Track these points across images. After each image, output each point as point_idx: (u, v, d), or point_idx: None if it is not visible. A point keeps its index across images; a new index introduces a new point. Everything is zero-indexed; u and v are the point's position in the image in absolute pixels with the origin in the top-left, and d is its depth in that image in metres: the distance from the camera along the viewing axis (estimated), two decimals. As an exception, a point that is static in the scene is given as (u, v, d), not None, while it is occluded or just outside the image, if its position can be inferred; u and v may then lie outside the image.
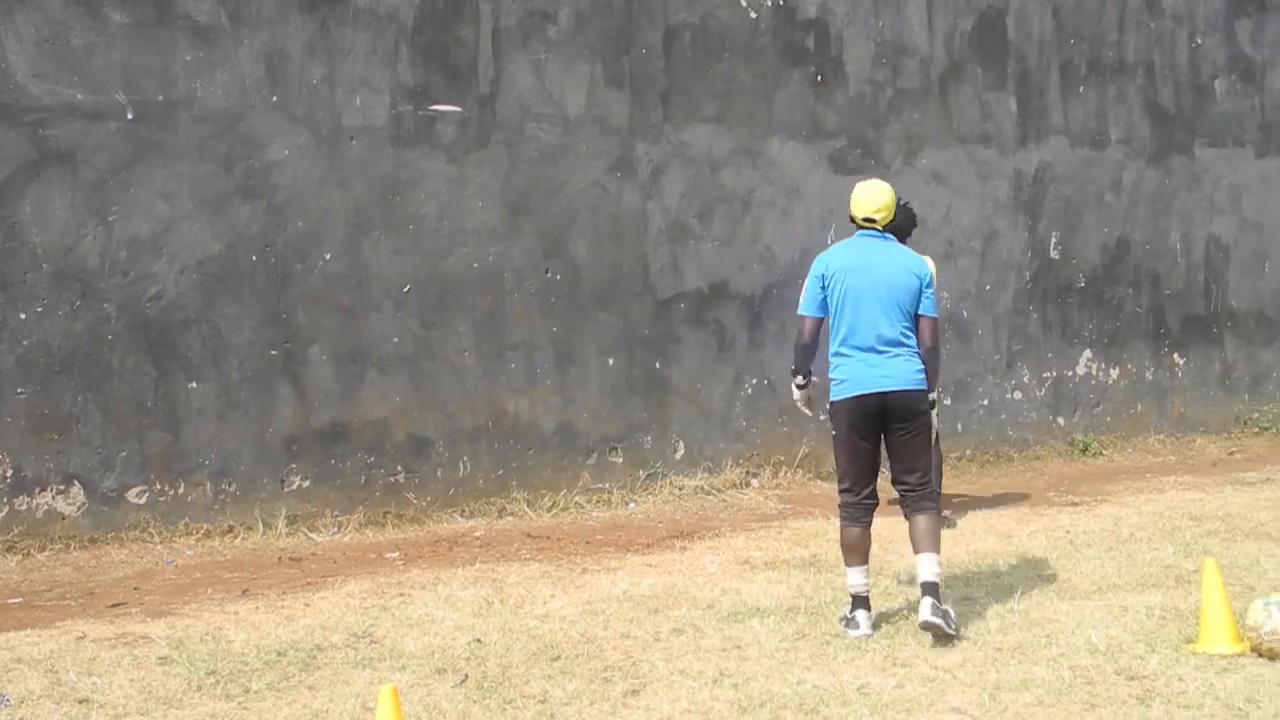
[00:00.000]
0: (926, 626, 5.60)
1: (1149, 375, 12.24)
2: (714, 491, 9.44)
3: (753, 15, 9.93)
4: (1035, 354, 11.55)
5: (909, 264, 5.87)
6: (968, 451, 11.05)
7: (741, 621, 5.98)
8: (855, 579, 5.83)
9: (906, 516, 5.91)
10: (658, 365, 9.55)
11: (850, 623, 5.77)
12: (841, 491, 5.91)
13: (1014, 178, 11.36)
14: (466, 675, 5.22)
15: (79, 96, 7.59)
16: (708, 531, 8.20)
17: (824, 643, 5.63)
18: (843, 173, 10.36)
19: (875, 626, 5.82)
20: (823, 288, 5.85)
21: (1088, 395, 11.87)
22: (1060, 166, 11.61)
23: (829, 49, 10.32)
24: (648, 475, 9.46)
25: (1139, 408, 12.16)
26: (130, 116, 7.73)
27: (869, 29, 10.51)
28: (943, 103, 10.93)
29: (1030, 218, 11.50)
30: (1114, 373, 12.03)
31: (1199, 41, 12.45)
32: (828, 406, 5.89)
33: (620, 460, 9.39)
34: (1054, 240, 11.64)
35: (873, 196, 5.88)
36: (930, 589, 5.68)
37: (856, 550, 5.85)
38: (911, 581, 6.33)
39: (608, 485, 9.22)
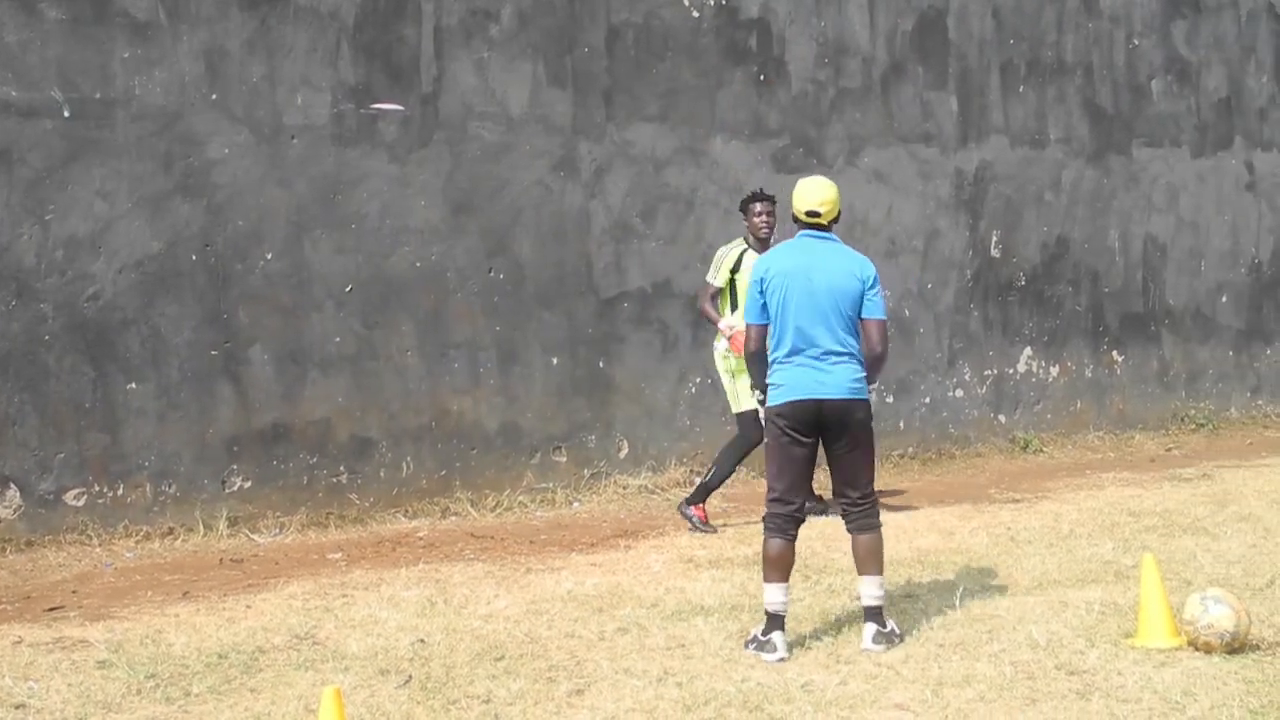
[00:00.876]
0: (867, 653, 5.45)
1: (1088, 373, 12.38)
2: (658, 490, 9.45)
3: (695, 15, 9.95)
4: (976, 352, 11.66)
5: (850, 267, 5.62)
6: (910, 449, 11.14)
7: (686, 620, 5.99)
8: (774, 596, 5.51)
9: (849, 533, 5.74)
10: (601, 364, 9.55)
11: (765, 645, 5.44)
12: (770, 500, 5.61)
13: (955, 177, 11.46)
14: (410, 676, 5.20)
15: (13, 94, 7.48)
16: (652, 530, 8.21)
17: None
18: (785, 171, 10.40)
19: (819, 624, 5.84)
20: (761, 292, 5.63)
21: (1028, 393, 12.00)
22: (1001, 165, 11.73)
23: (771, 48, 10.37)
24: (592, 474, 9.46)
25: (1079, 405, 12.30)
26: (67, 114, 7.63)
27: (811, 28, 10.57)
28: (884, 102, 11.01)
29: (971, 216, 11.60)
30: (1054, 370, 12.17)
31: (1136, 42, 12.61)
32: (767, 413, 5.68)
33: (564, 459, 9.38)
34: (995, 239, 11.75)
35: (815, 190, 5.65)
36: (873, 614, 5.57)
37: (778, 565, 5.54)
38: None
39: (552, 485, 9.21)
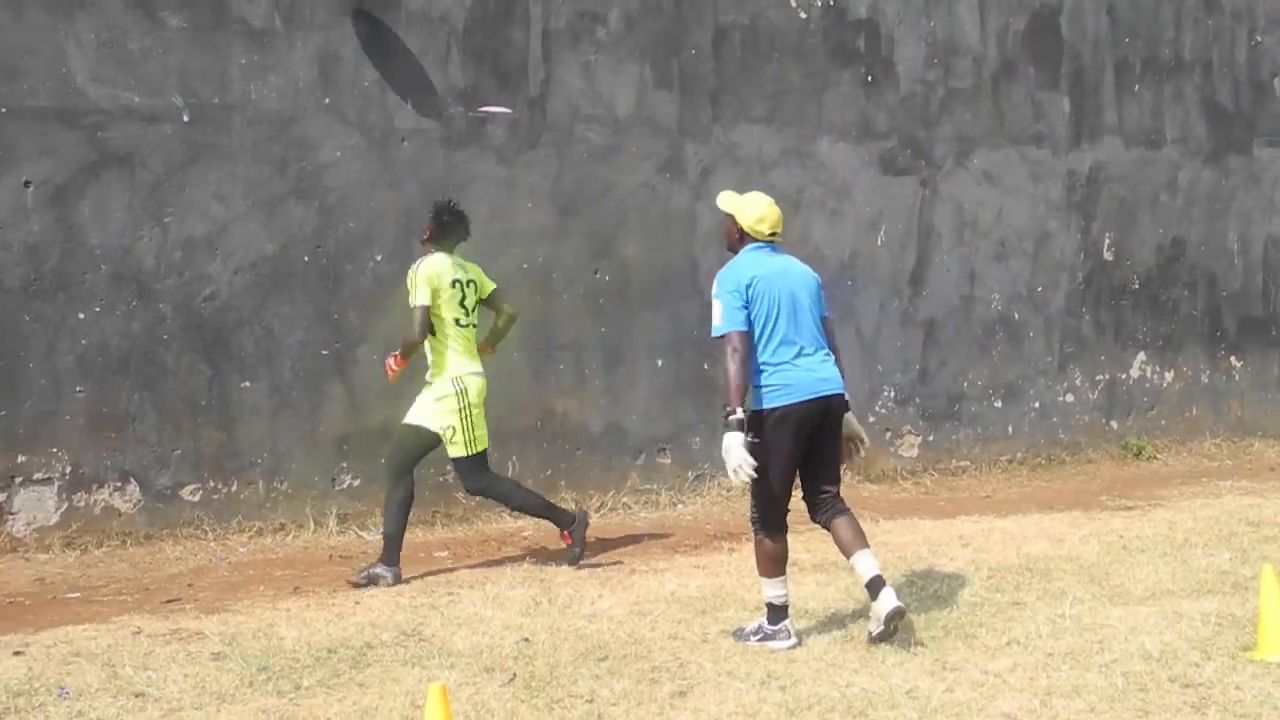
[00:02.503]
0: (899, 612, 5.51)
1: (1205, 378, 12.09)
2: (763, 493, 9.40)
3: (802, 15, 9.90)
4: (1088, 356, 11.45)
5: (808, 270, 5.86)
6: (1018, 454, 10.97)
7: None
8: (778, 590, 5.66)
9: (824, 525, 5.77)
10: (706, 366, 9.55)
11: (777, 634, 5.61)
12: (764, 503, 5.63)
13: (1067, 178, 11.27)
14: (514, 674, 5.25)
15: (136, 99, 7.68)
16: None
17: (872, 645, 5.61)
18: (893, 173, 10.33)
19: (924, 631, 5.78)
20: (745, 302, 5.57)
21: (1141, 398, 11.75)
22: (1114, 166, 11.50)
23: (879, 49, 10.28)
24: (696, 476, 9.46)
25: (1194, 411, 12.02)
26: (186, 119, 7.82)
27: (920, 29, 10.46)
28: (995, 103, 10.86)
29: (1083, 218, 11.40)
30: (1169, 375, 11.90)
31: (1259, 39, 12.28)
32: (759, 417, 5.54)
33: (668, 461, 9.39)
34: (1107, 241, 11.53)
35: (773, 211, 5.81)
36: (881, 580, 5.59)
37: (781, 561, 5.67)
38: (974, 595, 6.27)
39: (656, 486, 9.23)
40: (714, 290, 5.68)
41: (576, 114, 9.03)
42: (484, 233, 8.71)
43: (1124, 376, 11.65)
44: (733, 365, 5.51)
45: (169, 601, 6.53)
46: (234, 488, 8.00)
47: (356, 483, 8.34)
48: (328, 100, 8.22)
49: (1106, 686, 5.03)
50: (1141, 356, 11.75)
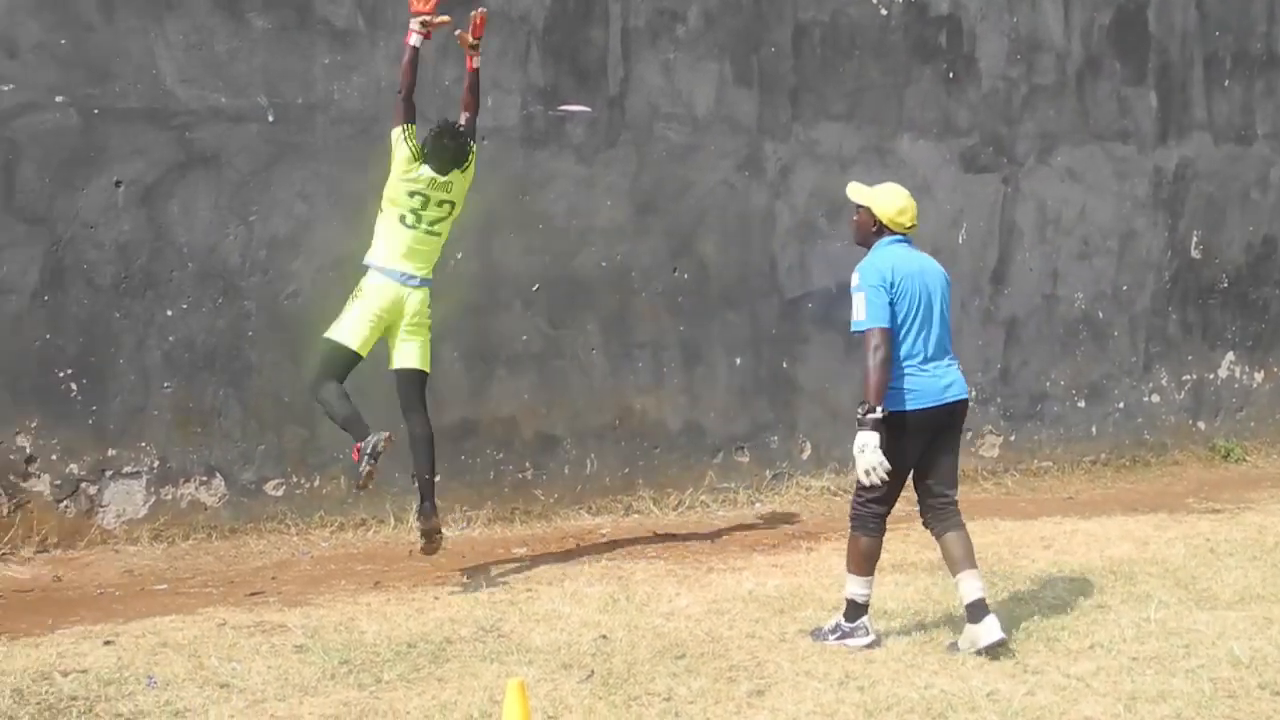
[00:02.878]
0: (1001, 644, 5.40)
1: (1295, 379, 11.84)
2: (841, 492, 9.37)
3: (883, 12, 9.83)
4: (1174, 356, 11.26)
5: (941, 269, 5.78)
6: (1102, 455, 10.82)
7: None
8: (863, 589, 5.64)
9: (936, 535, 5.70)
10: (785, 365, 9.52)
11: (856, 631, 5.60)
12: (872, 501, 5.56)
13: (1153, 175, 11.08)
14: (592, 671, 5.27)
15: (223, 100, 7.81)
16: (834, 533, 8.14)
17: (952, 647, 5.56)
18: (974, 171, 10.22)
19: (1005, 632, 5.73)
20: (891, 297, 5.48)
21: (1230, 399, 11.53)
22: (1203, 163, 11.29)
23: (961, 45, 10.18)
24: (774, 475, 9.43)
25: (1285, 412, 11.77)
26: (271, 119, 7.94)
27: (1003, 24, 10.34)
28: (1079, 99, 10.71)
29: (1170, 216, 11.21)
30: (1258, 376, 11.67)
31: (1351, 33, 11.99)
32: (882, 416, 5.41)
33: (747, 460, 9.37)
34: (1195, 239, 11.33)
35: (913, 204, 5.72)
36: (983, 605, 5.49)
37: (873, 560, 5.66)
38: (1055, 597, 6.20)
39: (734, 485, 9.21)
40: (855, 282, 5.54)
41: (656, 112, 9.03)
42: (563, 231, 8.77)
43: (1212, 377, 11.44)
44: (874, 362, 5.42)
45: (253, 594, 6.64)
46: (316, 483, 8.10)
47: (436, 479, 8.39)
48: (409, 100, 8.27)
49: (1193, 692, 4.95)
50: (1230, 356, 11.53)
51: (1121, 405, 10.99)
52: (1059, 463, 10.58)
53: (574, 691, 5.02)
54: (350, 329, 6.86)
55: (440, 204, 6.96)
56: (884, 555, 7.28)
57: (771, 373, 9.47)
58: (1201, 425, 11.36)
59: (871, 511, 5.61)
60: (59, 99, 7.39)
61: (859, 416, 5.43)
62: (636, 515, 8.70)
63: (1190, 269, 11.31)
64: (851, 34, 9.71)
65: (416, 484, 7.05)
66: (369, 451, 6.71)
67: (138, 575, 7.03)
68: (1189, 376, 11.33)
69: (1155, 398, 11.15)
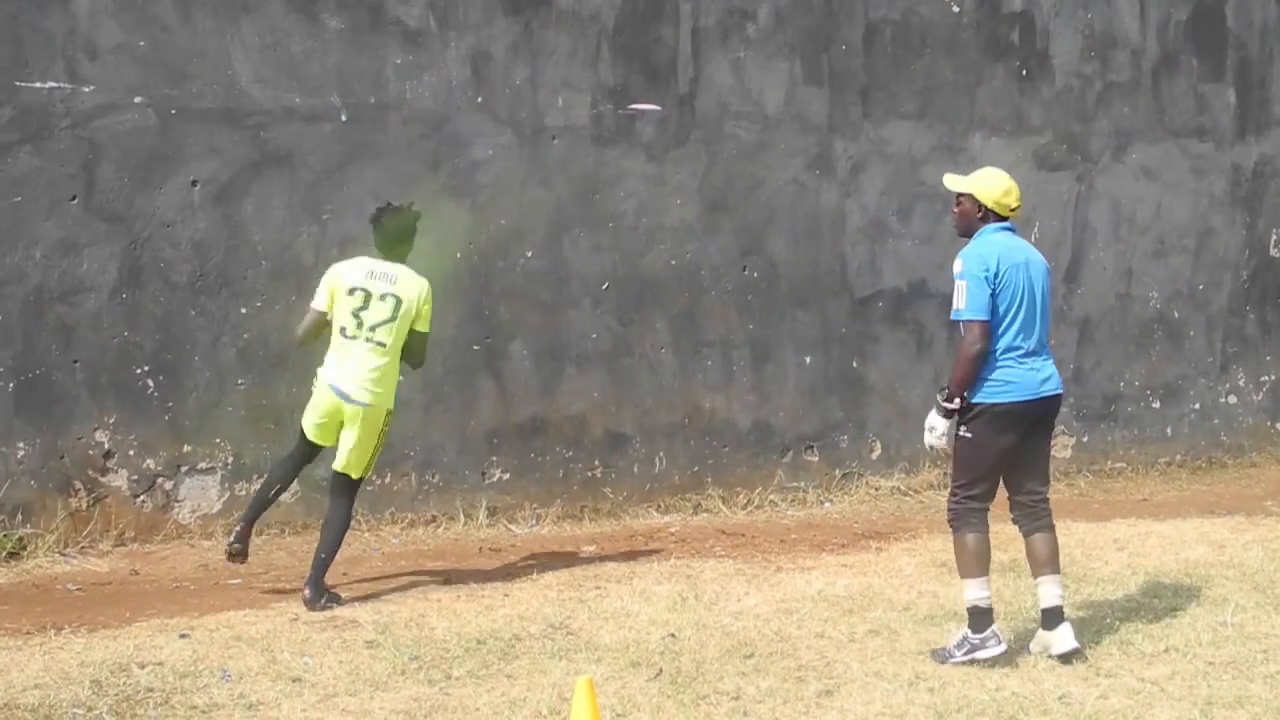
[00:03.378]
0: (1075, 653, 5.36)
1: (1378, 380, 11.60)
2: (911, 492, 9.31)
3: (955, 10, 9.75)
4: (1252, 356, 11.07)
5: (1043, 260, 5.63)
6: (1177, 457, 10.66)
7: (938, 625, 5.89)
8: (983, 592, 5.41)
9: (1025, 534, 5.63)
10: (855, 364, 9.47)
11: (986, 642, 5.33)
12: (969, 498, 5.47)
13: (1231, 172, 10.90)
14: (661, 669, 5.27)
15: (297, 100, 7.90)
16: (904, 533, 8.09)
17: (1023, 649, 5.51)
18: (1048, 169, 10.11)
19: (1077, 635, 5.66)
20: (993, 289, 5.36)
21: (1310, 400, 11.31)
22: (1282, 160, 11.09)
23: (1034, 42, 10.07)
24: (843, 475, 9.39)
25: (1366, 414, 11.54)
26: (344, 119, 8.02)
27: (1077, 21, 10.22)
28: (1155, 96, 10.56)
29: (1248, 214, 11.01)
30: (1339, 377, 11.44)
31: None
32: (976, 409, 5.40)
33: (816, 459, 9.34)
34: (1275, 238, 11.13)
35: (1014, 186, 5.55)
36: (1059, 613, 5.45)
37: (985, 558, 5.44)
38: (1128, 599, 6.13)
39: (803, 484, 9.18)
40: (958, 268, 5.45)
41: (726, 111, 9.02)
42: (632, 230, 8.78)
43: (1291, 378, 11.24)
44: (967, 355, 5.36)
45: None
46: (387, 480, 8.17)
47: (506, 476, 8.46)
48: (480, 99, 8.34)
49: (1272, 698, 4.87)
50: (1310, 357, 11.32)
51: (1197, 406, 10.82)
52: (1133, 464, 10.44)
53: (642, 690, 5.03)
54: (305, 419, 6.65)
55: (384, 297, 6.42)
56: (952, 557, 7.26)
57: (841, 372, 9.42)
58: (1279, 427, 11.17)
59: (969, 507, 5.49)
60: (137, 99, 7.52)
61: (938, 400, 5.45)
62: (705, 514, 8.70)
63: (1269, 268, 11.11)
64: (923, 32, 9.63)
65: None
66: (232, 539, 6.63)
67: (212, 570, 7.13)
68: (1267, 377, 11.14)
69: (1232, 399, 10.97)
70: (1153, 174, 10.57)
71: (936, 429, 5.43)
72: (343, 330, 6.45)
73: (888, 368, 9.56)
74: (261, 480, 7.07)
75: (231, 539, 6.64)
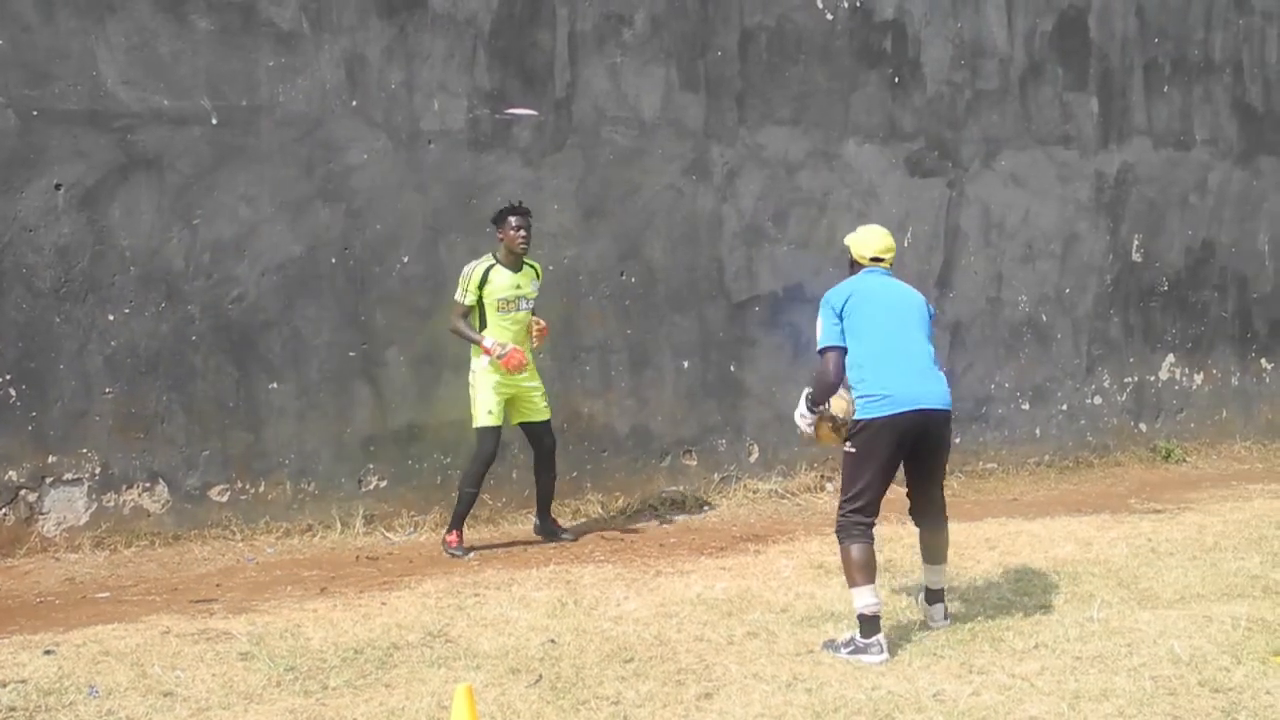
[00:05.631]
0: (936, 627, 5.91)
1: (1235, 380, 12.02)
2: (788, 495, 9.41)
3: (829, 17, 9.89)
4: (1116, 358, 11.39)
5: (915, 292, 6.04)
6: (1046, 457, 10.93)
7: (815, 626, 5.96)
8: (870, 599, 5.56)
9: (920, 528, 6.04)
10: (732, 368, 9.54)
11: (870, 648, 5.48)
12: (853, 510, 5.65)
13: (1095, 179, 11.21)
14: (540, 675, 5.25)
15: (165, 103, 7.73)
16: (782, 535, 8.18)
17: (899, 649, 5.59)
18: (920, 175, 10.30)
19: (950, 634, 5.77)
20: (839, 318, 5.76)
21: (1171, 401, 11.68)
22: (1143, 168, 11.44)
23: (906, 50, 10.25)
24: (722, 478, 9.46)
25: (1224, 414, 11.95)
26: (214, 121, 7.86)
27: (947, 30, 10.43)
28: (1022, 104, 10.82)
29: (1112, 220, 11.34)
30: (1198, 378, 11.83)
31: (1287, 40, 12.19)
32: (858, 426, 5.66)
33: (694, 463, 9.39)
34: (1136, 243, 11.47)
35: (883, 239, 6.03)
36: (940, 595, 5.99)
37: (869, 568, 5.63)
38: (1000, 598, 6.25)
39: (682, 488, 9.22)
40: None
41: (602, 116, 9.03)
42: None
43: (1153, 379, 11.59)
44: (822, 381, 5.80)
45: (197, 601, 6.57)
46: (261, 488, 8.04)
47: (383, 484, 8.37)
48: (354, 103, 8.24)
49: (1135, 690, 5.01)
50: (1170, 359, 11.68)
51: (1065, 407, 11.10)
52: (1003, 464, 10.68)
53: (522, 696, 5.01)
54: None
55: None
56: (831, 557, 7.36)
57: (719, 376, 9.49)
58: (1143, 427, 11.50)
59: (853, 520, 5.66)
60: (-3, 101, 7.30)
61: (803, 398, 5.95)
62: (584, 519, 8.69)
63: (1131, 272, 11.45)
64: (797, 39, 9.75)
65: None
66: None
67: (79, 583, 6.94)
68: (1130, 379, 11.47)
69: (1098, 400, 11.28)
70: (1021, 180, 10.82)
71: (797, 411, 5.98)
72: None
73: (765, 372, 9.65)
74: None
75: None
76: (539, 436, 8.06)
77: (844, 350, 5.75)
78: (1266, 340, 12.16)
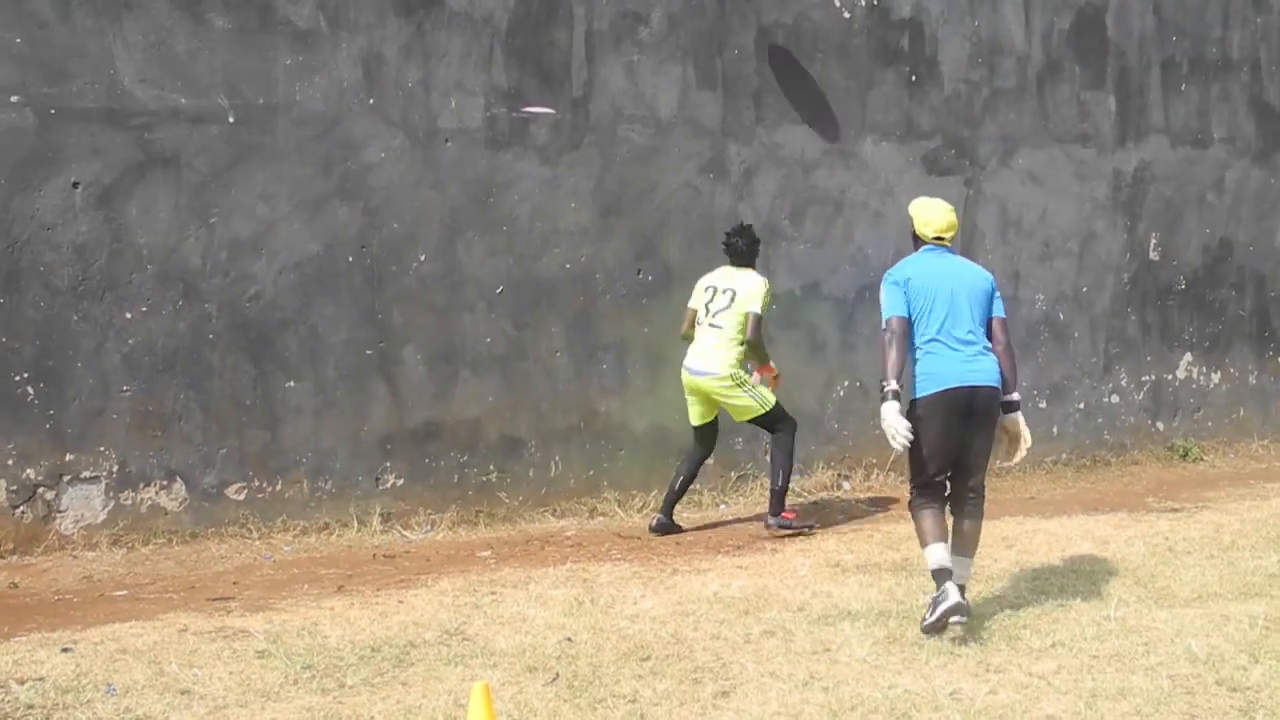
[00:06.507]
0: (957, 608, 5.72)
1: (1252, 379, 11.97)
2: (804, 494, 9.40)
3: (846, 15, 9.87)
4: (1134, 357, 11.36)
5: (980, 271, 6.16)
6: (1063, 455, 10.90)
7: (832, 625, 5.95)
8: (939, 555, 5.83)
9: (954, 516, 6.07)
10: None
11: (940, 597, 5.69)
12: (919, 485, 5.97)
13: (1113, 178, 11.18)
14: (557, 674, 5.26)
15: (183, 101, 7.75)
16: (798, 534, 8.17)
17: (916, 647, 5.59)
18: (937, 174, 10.27)
19: (966, 631, 5.76)
20: (904, 292, 5.96)
21: (1188, 399, 11.64)
22: (1160, 166, 11.40)
23: (923, 49, 10.23)
24: (739, 477, 9.45)
25: (1241, 412, 11.90)
26: (232, 120, 7.88)
27: (964, 28, 10.40)
28: (1040, 102, 10.79)
29: (1129, 218, 11.30)
30: (1215, 377, 11.78)
31: (1306, 38, 12.14)
32: (914, 402, 5.92)
33: (711, 461, 9.36)
34: (1154, 241, 11.43)
35: (941, 214, 6.14)
36: (961, 590, 5.87)
37: (938, 527, 5.88)
38: (1018, 596, 6.24)
39: (699, 486, 9.21)
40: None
41: (619, 114, 9.03)
42: (526, 233, 8.75)
43: (1170, 377, 11.55)
44: (888, 344, 5.92)
45: (214, 599, 6.59)
46: (279, 487, 8.06)
47: (400, 482, 8.38)
48: (372, 101, 8.26)
49: (1152, 689, 4.99)
50: (1188, 357, 11.64)
51: (1082, 406, 11.07)
52: (1020, 463, 10.63)
53: (539, 695, 5.01)
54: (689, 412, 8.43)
55: (723, 292, 8.18)
56: (849, 556, 7.38)
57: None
58: (1160, 425, 11.46)
59: (917, 488, 5.96)
60: (14, 99, 7.32)
61: (880, 393, 5.93)
62: (601, 517, 8.70)
63: (1149, 271, 11.41)
64: (814, 37, 9.74)
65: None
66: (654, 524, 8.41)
67: (96, 581, 6.97)
68: (1148, 377, 11.43)
69: (1115, 398, 11.24)
70: (1038, 179, 10.79)
71: (886, 417, 5.83)
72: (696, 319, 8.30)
73: (781, 370, 9.62)
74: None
75: (654, 524, 8.28)
76: (708, 438, 8.44)
77: (906, 318, 5.92)
78: (1285, 339, 12.11)
